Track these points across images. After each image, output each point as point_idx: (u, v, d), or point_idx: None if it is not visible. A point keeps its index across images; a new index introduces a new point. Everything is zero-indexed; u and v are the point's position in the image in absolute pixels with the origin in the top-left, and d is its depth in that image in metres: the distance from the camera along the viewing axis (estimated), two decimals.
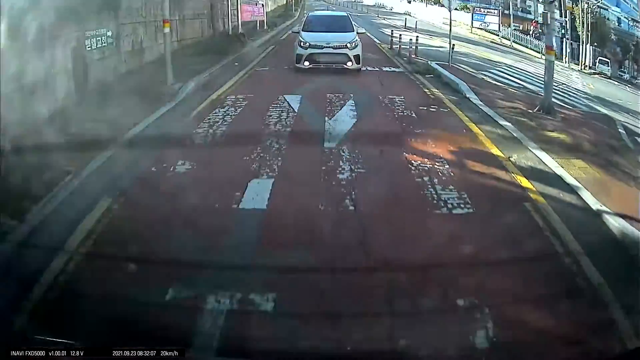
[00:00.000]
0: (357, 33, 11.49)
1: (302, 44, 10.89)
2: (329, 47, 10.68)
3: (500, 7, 30.61)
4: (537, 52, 29.08)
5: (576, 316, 3.13)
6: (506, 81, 13.38)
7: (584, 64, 29.18)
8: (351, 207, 4.32)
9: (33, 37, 6.45)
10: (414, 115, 7.59)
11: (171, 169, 5.17)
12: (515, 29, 30.86)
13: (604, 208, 4.81)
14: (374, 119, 7.32)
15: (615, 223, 4.45)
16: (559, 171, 5.82)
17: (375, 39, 18.14)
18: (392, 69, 12.36)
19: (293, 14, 27.40)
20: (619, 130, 10.92)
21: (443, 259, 3.57)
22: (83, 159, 5.35)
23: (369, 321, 2.95)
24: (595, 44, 29.56)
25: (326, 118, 7.12)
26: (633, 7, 30.66)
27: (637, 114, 16.36)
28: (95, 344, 2.51)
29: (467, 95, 9.37)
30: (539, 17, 32.00)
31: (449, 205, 4.47)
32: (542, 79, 15.85)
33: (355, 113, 7.44)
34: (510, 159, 6.03)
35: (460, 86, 10.02)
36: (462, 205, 4.50)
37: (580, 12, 29.95)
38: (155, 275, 3.30)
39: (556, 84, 17.04)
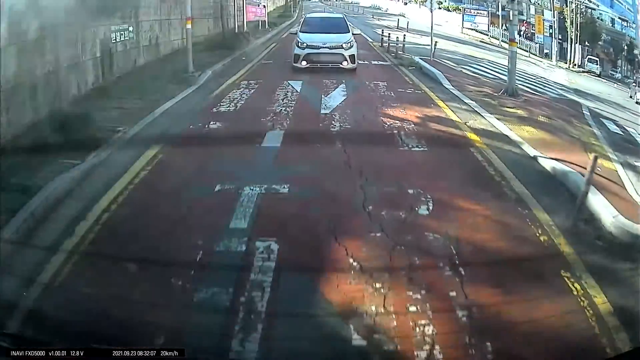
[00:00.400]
0: (353, 34, 12.39)
1: (299, 44, 11.69)
2: (326, 47, 11.52)
3: (489, 9, 32.61)
4: (526, 50, 31.16)
5: (501, 208, 4.89)
6: (483, 73, 15.33)
7: (573, 62, 31.04)
8: (340, 145, 6.31)
9: (69, 30, 8.27)
10: (392, 94, 9.58)
11: (206, 126, 7.13)
12: (505, 29, 32.89)
13: (539, 154, 6.62)
14: (360, 96, 9.32)
15: (547, 163, 6.10)
16: (507, 132, 7.68)
17: (368, 38, 20.13)
18: (380, 62, 14.35)
19: (291, 14, 29.51)
20: (584, 112, 12.79)
21: (400, 170, 5.51)
22: (131, 121, 7.19)
23: (349, 199, 4.84)
24: (587, 43, 31.43)
25: (322, 95, 9.10)
26: (628, 8, 32.60)
27: (611, 103, 18.34)
28: (97, 342, 2.64)
29: (442, 82, 11.33)
30: (531, 18, 34.20)
31: (410, 146, 6.46)
32: (520, 73, 17.92)
33: (346, 93, 9.42)
34: (466, 123, 7.97)
35: (437, 75, 11.99)
36: (419, 146, 6.48)
37: (570, 12, 31.79)
38: (206, 179, 5.19)
39: (534, 77, 19.08)
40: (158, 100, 8.48)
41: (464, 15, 31.40)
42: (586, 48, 31.16)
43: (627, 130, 12.97)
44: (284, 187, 4.97)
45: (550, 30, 32.11)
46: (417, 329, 3.15)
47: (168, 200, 4.81)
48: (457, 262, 3.87)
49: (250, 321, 3.16)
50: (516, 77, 15.86)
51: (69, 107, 7.54)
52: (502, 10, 33.24)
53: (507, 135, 7.52)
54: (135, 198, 4.86)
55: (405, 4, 42.03)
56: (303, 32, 12.22)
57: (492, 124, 8.11)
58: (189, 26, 10.89)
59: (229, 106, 8.31)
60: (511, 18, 11.57)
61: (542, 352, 3.07)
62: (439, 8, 35.70)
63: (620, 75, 30.15)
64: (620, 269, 4.04)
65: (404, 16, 33.38)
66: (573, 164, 5.87)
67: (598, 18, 32.35)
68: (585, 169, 5.89)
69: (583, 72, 29.76)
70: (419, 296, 3.45)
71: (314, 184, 5.05)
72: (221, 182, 5.07)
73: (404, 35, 16.52)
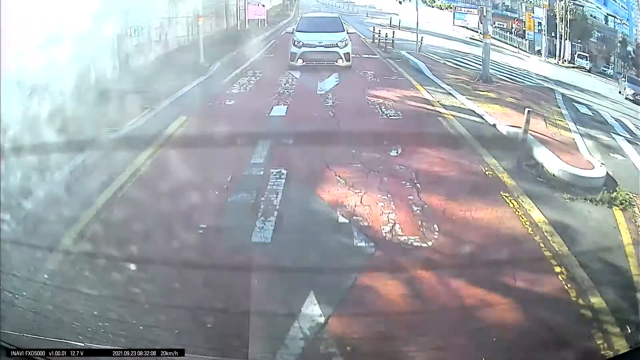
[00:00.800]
0: (348, 33, 12.98)
1: (295, 43, 12.27)
2: (321, 45, 12.08)
3: (480, 7, 34.30)
4: (515, 46, 33.04)
5: (457, 154, 6.67)
6: (466, 65, 17.05)
7: (563, 58, 32.75)
8: (332, 114, 8.11)
9: (95, 25, 9.89)
10: (378, 80, 11.38)
11: (223, 103, 8.91)
12: (499, 27, 34.71)
13: (498, 122, 8.35)
14: (350, 82, 11.06)
15: (504, 129, 7.85)
16: (474, 108, 9.39)
17: (360, 35, 21.88)
18: (370, 55, 16.11)
19: (289, 13, 31.23)
20: (556, 97, 14.36)
21: (378, 130, 7.28)
22: (157, 101, 8.86)
23: (338, 147, 6.57)
24: (577, 40, 33.14)
25: (318, 81, 10.86)
26: (622, 6, 34.32)
27: (592, 92, 19.94)
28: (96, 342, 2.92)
29: (424, 72, 13.07)
30: (523, 16, 36.09)
31: (388, 115, 8.28)
32: (504, 65, 19.67)
33: (338, 79, 11.19)
34: (439, 101, 9.72)
35: (419, 66, 13.72)
36: (395, 116, 8.28)
37: (560, 9, 33.50)
38: (227, 136, 6.87)
39: (516, 69, 20.81)
40: (177, 86, 10.16)
41: (455, 13, 33.22)
42: (577, 45, 32.82)
43: (598, 113, 14.46)
44: (289, 140, 6.75)
45: (539, 27, 33.84)
46: (384, 215, 4.89)
47: (199, 148, 6.54)
48: (415, 181, 5.64)
49: (268, 210, 4.90)
50: (499, 69, 17.74)
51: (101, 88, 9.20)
52: (491, 8, 35.18)
53: (473, 110, 9.26)
54: (168, 152, 6.49)
55: (400, 2, 43.77)
56: (299, 31, 12.82)
57: (462, 102, 9.85)
58: (200, 23, 12.64)
59: (240, 89, 10.10)
60: (484, 14, 13.36)
61: (479, 236, 4.73)
62: (432, 6, 37.65)
63: (612, 71, 31.59)
64: (558, 197, 5.65)
65: (397, 15, 35.12)
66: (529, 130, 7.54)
67: (591, 16, 33.93)
68: (538, 133, 7.75)
69: (572, 67, 31.21)
70: (385, 197, 5.22)
71: (311, 138, 6.86)
72: (241, 138, 6.81)
73: (393, 31, 18.30)
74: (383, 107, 8.75)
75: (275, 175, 5.61)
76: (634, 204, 5.83)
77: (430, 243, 4.47)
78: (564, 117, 10.82)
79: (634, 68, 30.92)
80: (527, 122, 6.68)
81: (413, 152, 6.53)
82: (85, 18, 9.44)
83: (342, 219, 4.77)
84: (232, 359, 3.25)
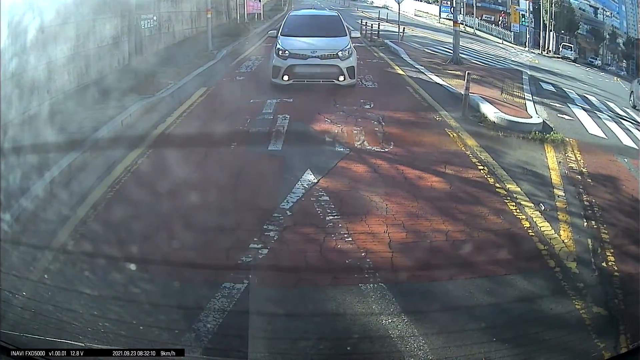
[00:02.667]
0: (351, 38, 10.83)
1: (280, 52, 9.85)
2: (315, 57, 9.81)
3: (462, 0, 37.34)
4: (499, 38, 36.09)
5: (416, 108, 9.55)
6: (442, 52, 19.92)
7: (547, 49, 35.71)
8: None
9: (111, 16, 12.53)
10: (361, 62, 14.05)
11: (234, 79, 11.71)
12: (486, 20, 37.79)
13: (455, 89, 11.19)
14: None
15: (458, 91, 10.70)
16: (439, 81, 12.27)
17: (350, 27, 24.78)
18: (357, 44, 18.79)
19: (282, 7, 34.19)
20: (523, 77, 16.99)
21: (357, 93, 10.15)
22: (177, 78, 11.62)
23: (326, 102, 9.43)
24: (562, 32, 36.10)
25: None
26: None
27: (563, 76, 22.56)
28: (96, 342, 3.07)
29: (402, 56, 15.95)
30: (508, 9, 39.20)
31: (366, 85, 11.18)
32: (483, 53, 22.54)
33: None
34: (410, 77, 12.57)
35: (399, 52, 16.62)
36: (373, 86, 11.14)
37: (545, 2, 36.50)
38: (242, 98, 9.70)
39: (495, 56, 23.70)
40: (191, 68, 12.95)
41: (441, 7, 36.31)
42: (565, 36, 35.72)
43: (563, 90, 16.54)
44: (290, 99, 9.61)
45: (523, 19, 36.88)
46: (357, 137, 7.72)
47: (221, 106, 9.34)
48: (381, 121, 8.49)
49: (279, 135, 7.71)
50: (475, 55, 20.57)
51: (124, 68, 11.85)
52: (481, 1, 38.28)
53: (438, 83, 12.12)
54: (198, 108, 9.30)
55: None
56: (285, 35, 10.51)
57: (430, 77, 12.71)
58: (209, 15, 15.43)
59: (246, 69, 12.98)
60: (454, 5, 16.22)
61: (422, 149, 7.44)
62: (421, 0, 40.78)
63: (600, 62, 34.41)
64: (493, 134, 8.28)
65: (386, 8, 38.13)
66: (482, 95, 10.43)
67: (580, 9, 36.86)
68: (491, 97, 10.59)
69: (556, 57, 34.06)
70: (358, 129, 8.08)
71: (306, 99, 9.70)
72: (253, 98, 9.66)
73: (379, 23, 21.22)
74: (363, 79, 11.61)
75: (281, 118, 8.44)
76: (567, 143, 8.11)
77: (386, 150, 7.29)
78: (523, 90, 13.34)
79: (624, 60, 33.73)
80: (467, 81, 9.45)
81: (382, 106, 9.40)
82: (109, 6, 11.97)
83: (328, 139, 7.60)
84: (231, 359, 3.49)
